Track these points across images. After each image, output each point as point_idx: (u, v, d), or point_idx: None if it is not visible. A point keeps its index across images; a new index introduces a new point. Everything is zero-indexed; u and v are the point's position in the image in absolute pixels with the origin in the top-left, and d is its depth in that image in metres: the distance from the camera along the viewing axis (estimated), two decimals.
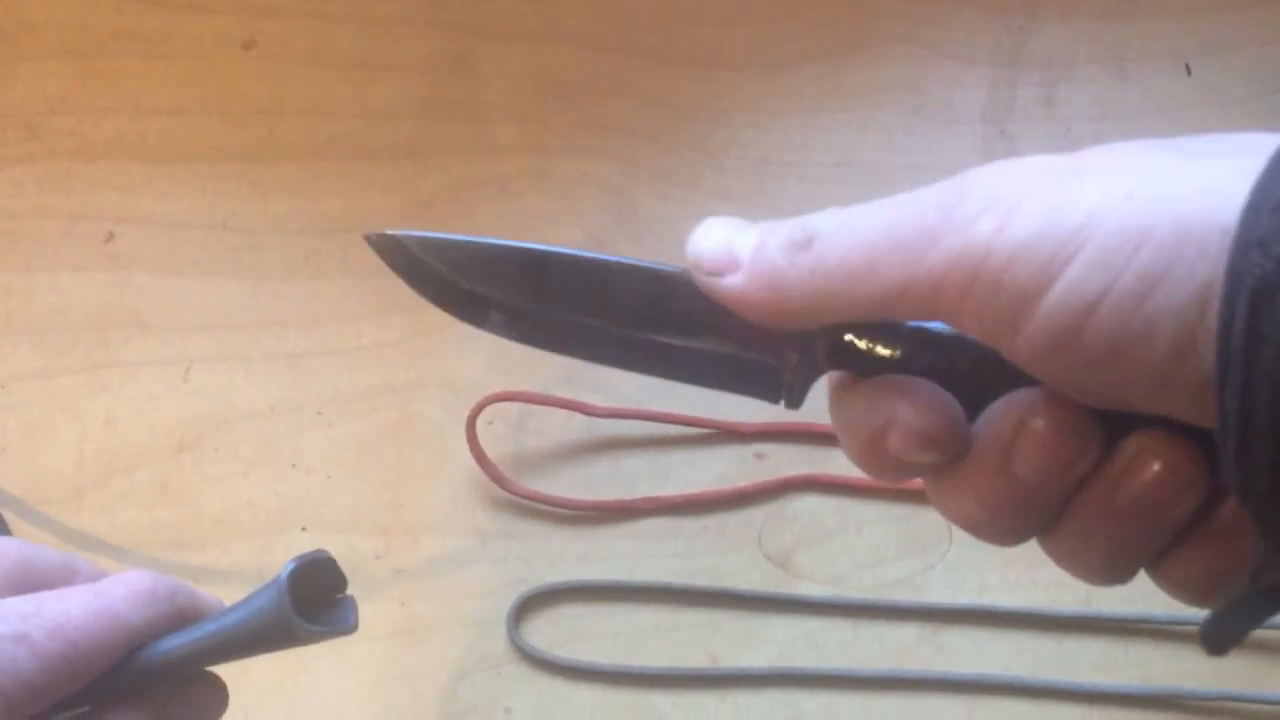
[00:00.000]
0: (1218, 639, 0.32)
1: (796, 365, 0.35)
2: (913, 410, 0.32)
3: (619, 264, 0.37)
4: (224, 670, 0.41)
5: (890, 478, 0.34)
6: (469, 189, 0.68)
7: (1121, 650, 0.62)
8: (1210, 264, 0.27)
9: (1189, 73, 0.70)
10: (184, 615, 0.40)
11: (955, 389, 0.33)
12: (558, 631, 0.62)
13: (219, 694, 0.42)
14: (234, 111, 0.69)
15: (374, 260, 0.67)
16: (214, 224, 0.67)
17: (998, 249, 0.29)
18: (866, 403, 0.34)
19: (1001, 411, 0.32)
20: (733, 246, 0.34)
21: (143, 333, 0.66)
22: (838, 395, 0.35)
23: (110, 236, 0.67)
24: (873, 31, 0.71)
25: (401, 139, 0.69)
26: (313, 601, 0.39)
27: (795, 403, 0.36)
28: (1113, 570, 0.33)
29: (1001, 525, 0.33)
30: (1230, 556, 0.32)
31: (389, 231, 0.39)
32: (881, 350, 0.34)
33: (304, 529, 0.63)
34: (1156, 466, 0.31)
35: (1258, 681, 0.61)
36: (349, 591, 0.41)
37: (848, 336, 0.34)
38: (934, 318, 0.31)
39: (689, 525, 0.64)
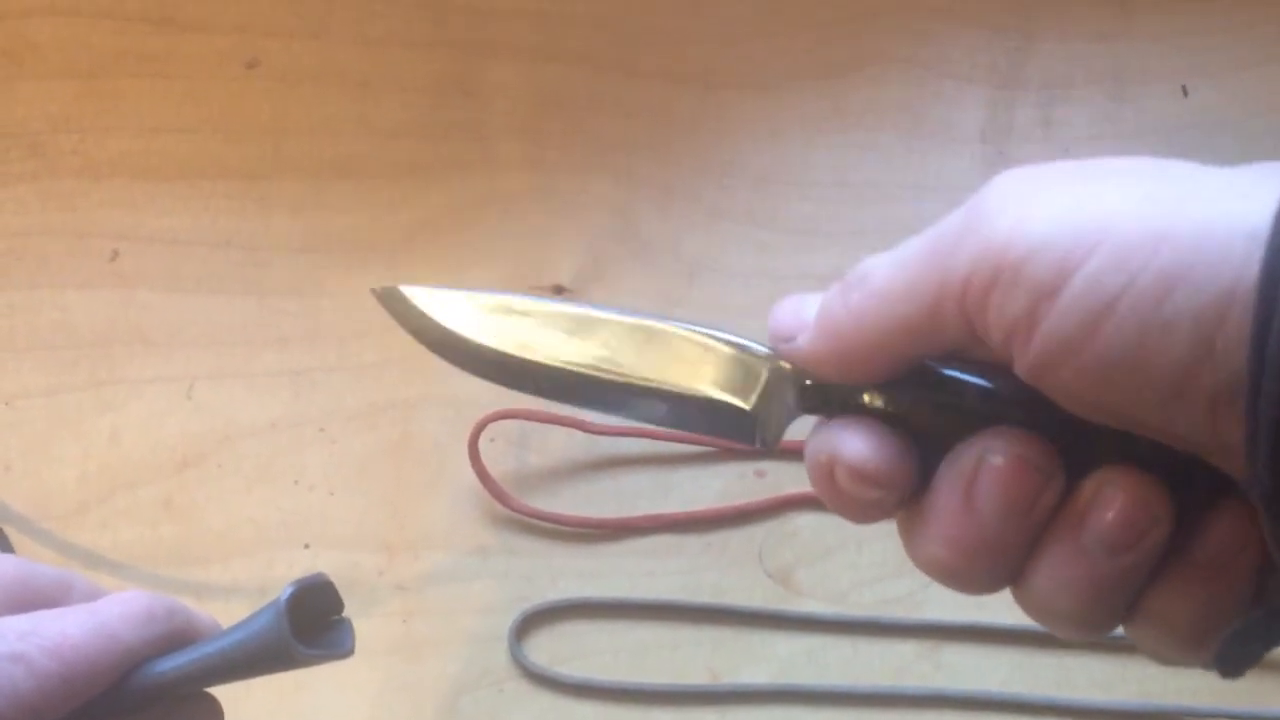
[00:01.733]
0: (1233, 662, 0.31)
1: (769, 412, 0.37)
2: (855, 447, 0.33)
3: (604, 317, 0.38)
4: (224, 686, 0.41)
5: (854, 517, 0.35)
6: (471, 206, 0.69)
7: (1120, 667, 0.62)
8: (1234, 268, 0.26)
9: (1186, 94, 0.70)
10: (181, 636, 0.40)
11: (922, 434, 0.34)
12: (559, 648, 0.62)
13: (214, 715, 0.42)
14: (237, 130, 0.69)
15: (376, 277, 0.67)
16: (217, 242, 0.68)
17: (1016, 244, 0.29)
18: (819, 439, 0.34)
19: (964, 449, 0.32)
20: (800, 312, 0.35)
21: (146, 350, 0.66)
22: (810, 436, 0.36)
23: (114, 254, 0.67)
24: (872, 52, 0.71)
25: (404, 157, 0.69)
26: (310, 624, 0.40)
27: (770, 445, 0.37)
28: (1088, 618, 0.32)
29: (969, 568, 0.33)
30: (1206, 601, 0.31)
31: (394, 286, 0.40)
32: (848, 394, 0.34)
33: (306, 545, 0.63)
34: (1120, 500, 0.30)
35: (1256, 699, 0.61)
36: (345, 614, 0.41)
37: (808, 381, 0.35)
38: (967, 327, 0.31)
39: (690, 543, 0.64)
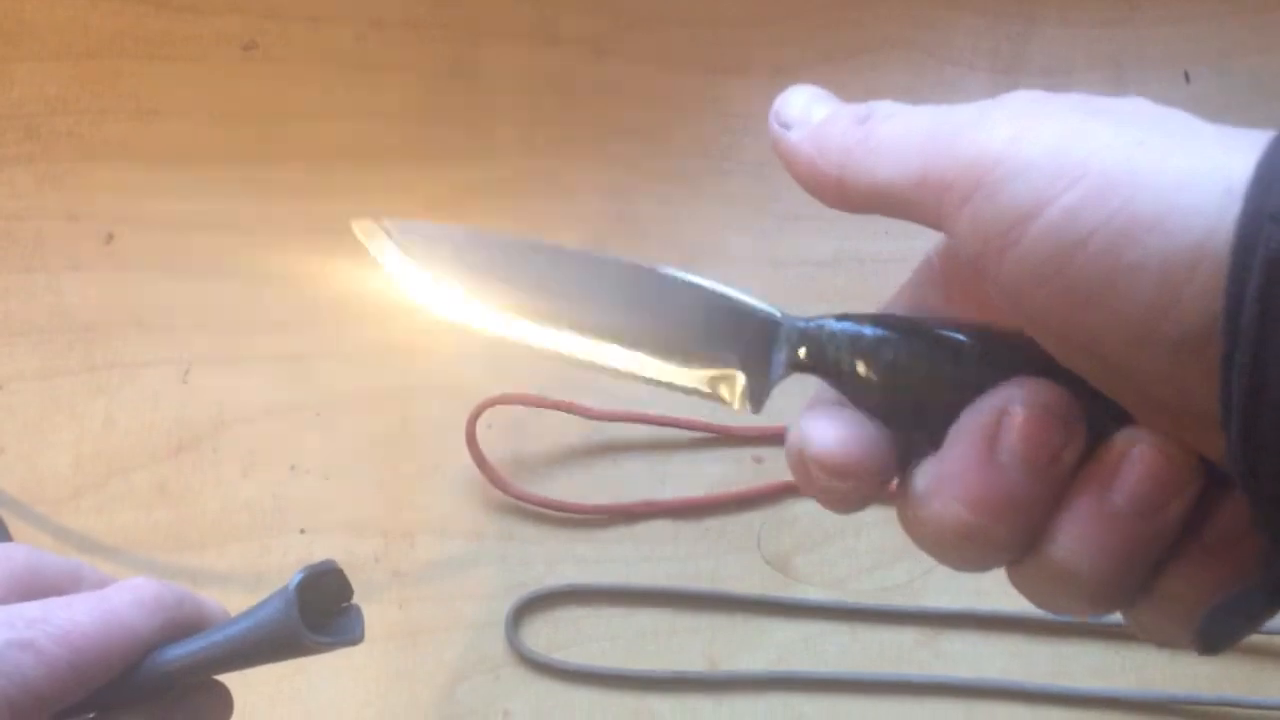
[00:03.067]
0: (1214, 639, 0.31)
1: (757, 371, 0.36)
2: (825, 438, 0.33)
3: (592, 255, 0.38)
4: (223, 683, 0.41)
5: (834, 508, 0.35)
6: (469, 191, 0.68)
7: (1118, 655, 0.62)
8: (1207, 220, 0.27)
9: (1188, 80, 0.70)
10: (189, 623, 0.40)
11: (896, 407, 0.34)
12: (556, 634, 0.62)
13: (224, 702, 0.42)
14: (234, 113, 0.69)
15: (374, 262, 0.67)
16: (214, 225, 0.67)
17: (1006, 160, 0.29)
18: (794, 431, 0.34)
19: (982, 404, 0.32)
20: (809, 109, 0.35)
21: (142, 333, 0.66)
22: (789, 427, 0.35)
23: (110, 237, 0.67)
24: (873, 36, 0.71)
25: (402, 141, 0.69)
26: (318, 611, 0.39)
27: (758, 405, 0.36)
28: (1106, 587, 0.31)
29: (992, 528, 0.32)
30: (1214, 584, 0.31)
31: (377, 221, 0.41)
32: (843, 360, 0.34)
33: (302, 531, 0.63)
34: (1153, 457, 0.30)
35: (1254, 687, 0.61)
36: (354, 601, 0.41)
37: (802, 351, 0.35)
38: (939, 218, 0.31)
39: (688, 529, 0.64)
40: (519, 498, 0.63)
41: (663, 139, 0.70)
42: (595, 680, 0.61)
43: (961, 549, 0.33)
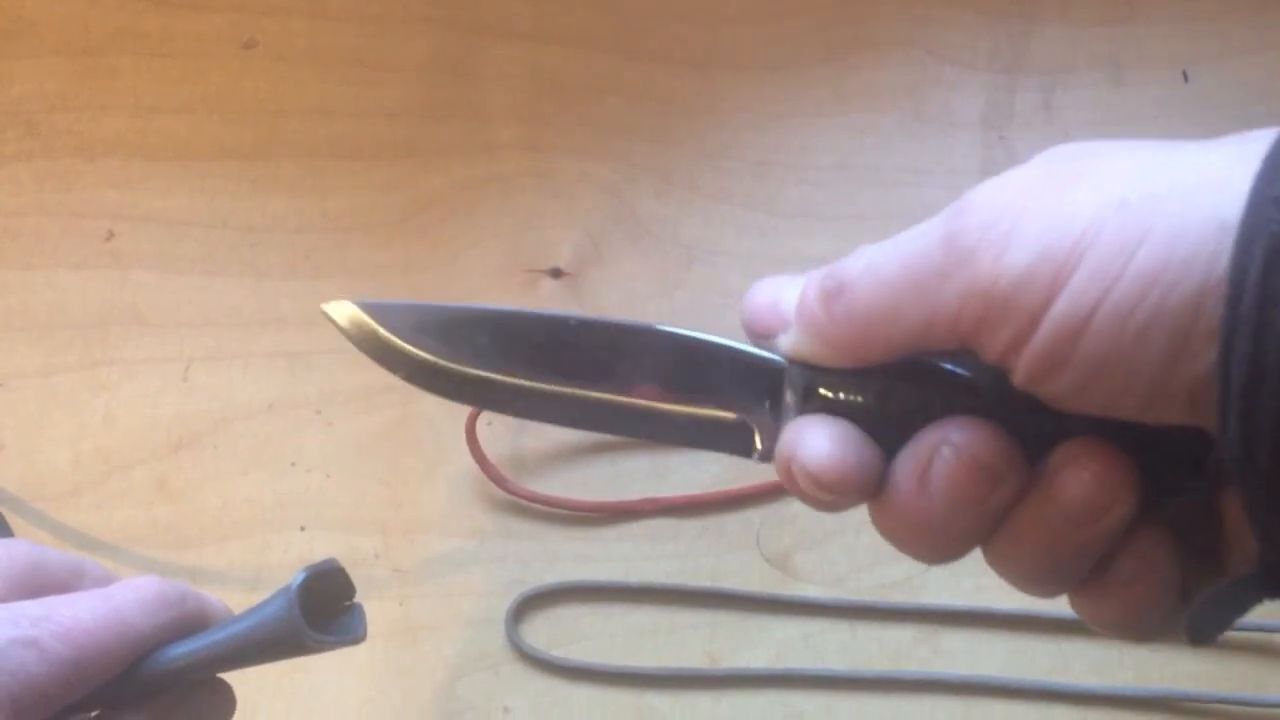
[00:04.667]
0: (1203, 629, 0.32)
1: (768, 421, 0.36)
2: (812, 450, 0.33)
3: (579, 320, 0.37)
4: (226, 681, 0.41)
5: (816, 507, 0.35)
6: (468, 188, 0.68)
7: (1117, 653, 0.62)
8: (1205, 262, 0.27)
9: (1186, 79, 0.70)
10: (192, 622, 0.40)
11: (889, 430, 0.34)
12: (556, 632, 0.62)
13: (226, 700, 0.42)
14: (234, 110, 0.69)
15: (372, 259, 0.67)
16: (214, 222, 0.67)
17: (1002, 279, 0.29)
18: (783, 438, 0.35)
19: (924, 435, 0.33)
20: (778, 305, 0.35)
21: (142, 330, 0.66)
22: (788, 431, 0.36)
23: (110, 234, 0.67)
24: (872, 35, 0.71)
25: (401, 138, 0.69)
26: (321, 610, 0.39)
27: (769, 454, 0.36)
28: (1046, 584, 0.33)
29: (924, 545, 0.34)
30: (1155, 587, 0.32)
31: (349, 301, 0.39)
32: (852, 398, 0.34)
33: (302, 528, 0.63)
34: (1088, 474, 0.31)
35: (1251, 684, 0.61)
36: (357, 599, 0.41)
37: (821, 390, 0.34)
38: (959, 344, 0.31)
39: (687, 526, 0.64)
40: (519, 495, 0.63)
41: (661, 137, 0.70)
42: (595, 677, 0.61)
43: (909, 552, 0.34)
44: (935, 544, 0.33)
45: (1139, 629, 0.33)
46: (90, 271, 0.66)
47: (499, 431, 0.64)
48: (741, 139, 0.70)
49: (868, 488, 0.34)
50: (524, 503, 0.63)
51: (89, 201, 0.67)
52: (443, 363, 0.38)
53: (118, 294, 0.66)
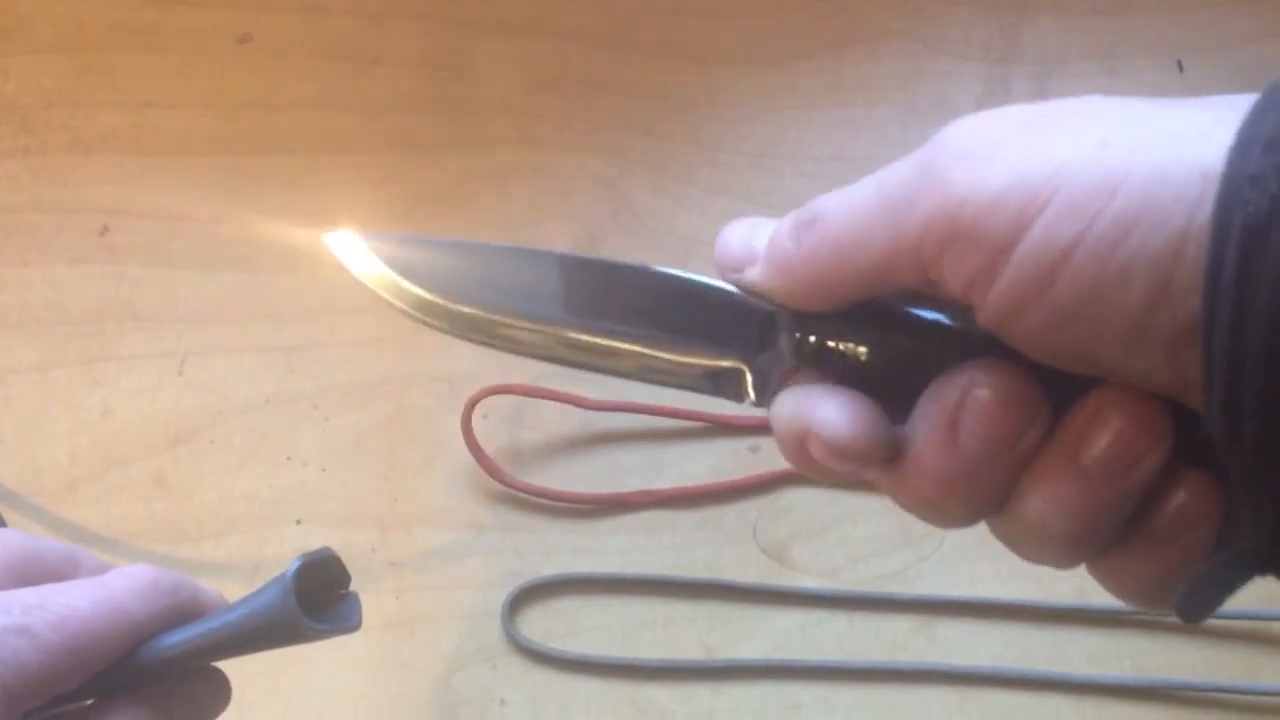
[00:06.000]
0: (1194, 607, 0.31)
1: (760, 366, 0.36)
2: (830, 422, 0.32)
3: (575, 259, 0.37)
4: (221, 669, 0.41)
5: (820, 479, 0.34)
6: (464, 182, 0.68)
7: (1113, 642, 0.62)
8: (1187, 208, 0.26)
9: (1180, 69, 0.70)
10: (186, 610, 0.40)
11: (889, 387, 0.33)
12: (553, 624, 0.62)
13: (221, 689, 0.42)
14: (229, 105, 0.69)
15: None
16: (209, 217, 0.68)
17: (972, 200, 0.28)
18: (793, 407, 0.34)
19: (946, 385, 0.32)
20: (751, 241, 0.35)
21: (138, 325, 0.66)
22: (776, 400, 0.35)
23: (105, 230, 0.67)
24: (867, 27, 0.71)
25: (397, 132, 0.69)
26: (316, 598, 0.39)
27: (764, 398, 0.36)
28: (1077, 544, 0.32)
29: (952, 502, 0.32)
30: (1182, 554, 0.31)
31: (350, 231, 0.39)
32: (846, 348, 0.34)
33: (299, 522, 0.63)
34: (1120, 420, 0.30)
35: (1248, 673, 0.61)
36: (352, 588, 0.41)
37: (812, 337, 0.34)
38: (923, 278, 0.31)
39: (684, 518, 0.64)
40: (515, 487, 0.63)
41: (657, 130, 0.70)
42: (592, 669, 0.61)
43: (932, 515, 0.33)
44: (965, 499, 0.32)
45: (1173, 595, 0.32)
46: (86, 267, 0.67)
47: (495, 424, 0.65)
48: (737, 132, 0.70)
49: (889, 452, 0.33)
50: (520, 495, 0.63)
51: (84, 197, 0.67)
52: (439, 301, 0.38)
53: (114, 289, 0.66)
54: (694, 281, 0.36)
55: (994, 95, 0.70)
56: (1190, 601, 0.31)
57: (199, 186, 0.68)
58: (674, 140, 0.69)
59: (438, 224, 0.67)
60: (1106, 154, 0.27)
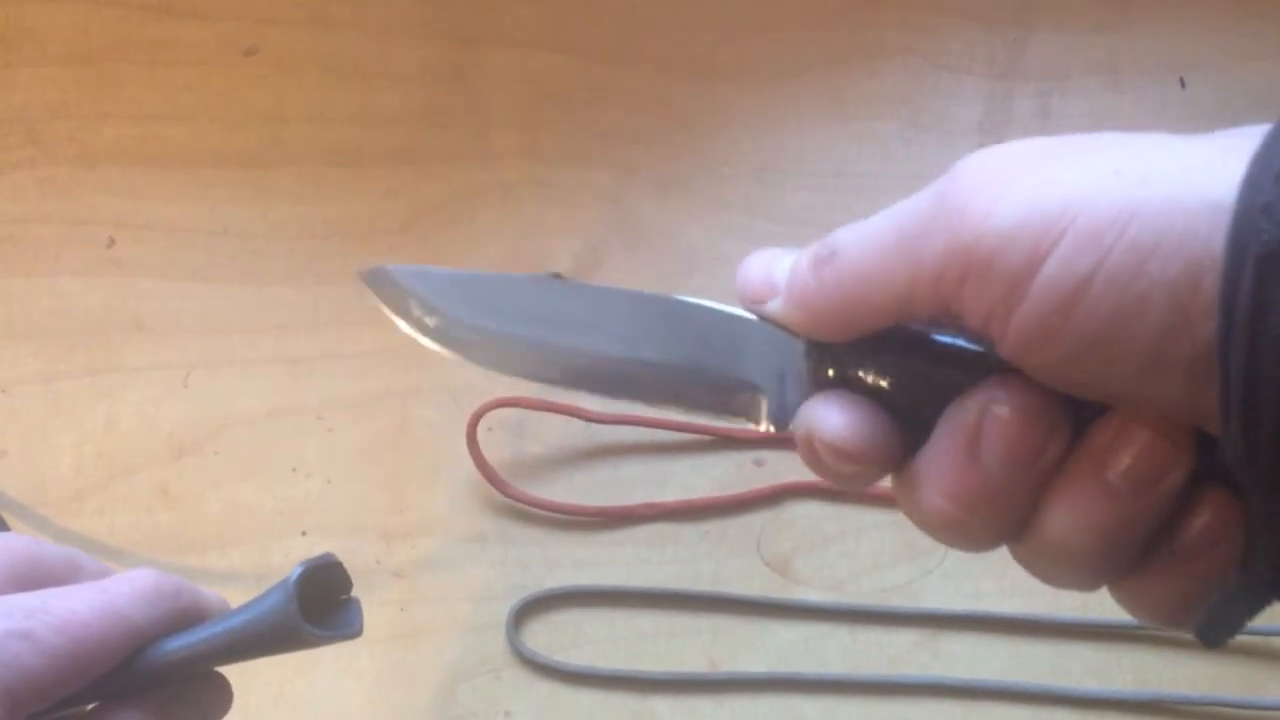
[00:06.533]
0: (1214, 631, 0.31)
1: (780, 394, 0.36)
2: (832, 423, 0.33)
3: (601, 290, 0.38)
4: (223, 671, 0.41)
5: (842, 486, 0.35)
6: (469, 196, 0.69)
7: (1116, 656, 0.62)
8: (1200, 240, 0.27)
9: (1183, 85, 0.70)
10: (189, 614, 0.40)
11: (907, 407, 0.34)
12: (557, 636, 0.62)
13: (223, 694, 0.42)
14: (235, 117, 0.69)
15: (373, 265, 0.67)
16: (215, 229, 0.68)
17: (986, 235, 0.29)
18: (805, 414, 0.35)
19: (965, 403, 0.32)
20: (771, 273, 0.35)
21: (143, 337, 0.66)
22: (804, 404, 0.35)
23: (111, 242, 0.67)
24: (870, 43, 0.71)
25: (402, 146, 0.69)
26: (318, 604, 0.39)
27: (782, 424, 0.36)
28: (1104, 563, 0.32)
29: (972, 521, 0.32)
30: (1205, 573, 0.31)
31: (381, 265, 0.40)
32: (867, 376, 0.34)
33: (304, 533, 0.63)
34: (1145, 435, 0.30)
35: (1251, 687, 0.61)
36: (354, 594, 0.41)
37: (831, 370, 0.35)
38: (943, 311, 0.31)
39: (688, 531, 0.64)
40: (520, 500, 0.63)
41: (661, 144, 0.70)
42: (596, 681, 0.61)
43: (949, 536, 0.33)
44: (988, 518, 0.32)
45: (1194, 616, 0.32)
46: (92, 278, 0.67)
47: (500, 436, 0.65)
48: (741, 146, 0.70)
49: (889, 457, 0.33)
50: (525, 507, 0.64)
51: (90, 209, 0.68)
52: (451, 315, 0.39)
53: (119, 301, 0.66)
54: (716, 311, 0.37)
55: (996, 111, 0.70)
56: (1211, 626, 0.31)
57: (204, 199, 0.68)
58: (677, 154, 0.70)
59: (441, 237, 0.68)
60: (1119, 184, 0.28)
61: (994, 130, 0.70)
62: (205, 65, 0.70)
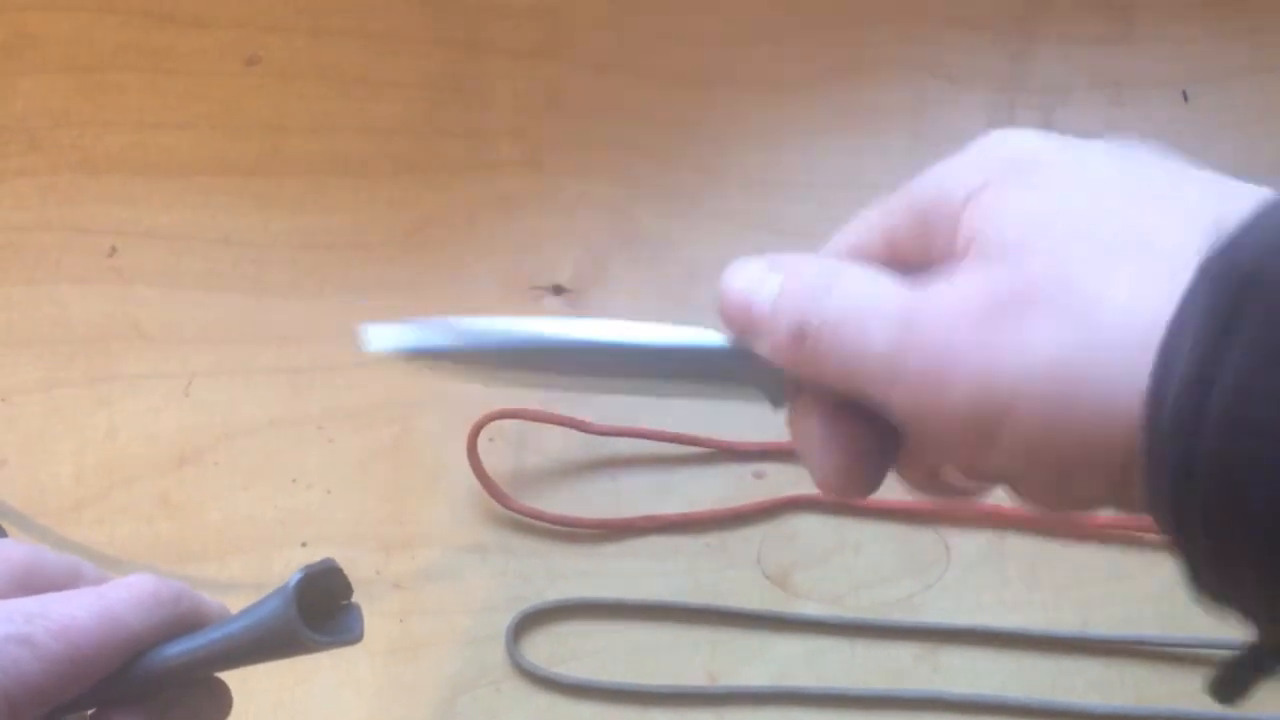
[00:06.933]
0: (1226, 691, 0.32)
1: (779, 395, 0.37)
2: (823, 453, 0.35)
3: (601, 347, 0.38)
4: (223, 679, 0.41)
5: (837, 485, 0.36)
6: (470, 206, 0.69)
7: (1117, 671, 0.62)
8: (1124, 440, 0.27)
9: (1186, 99, 0.70)
10: (188, 620, 0.40)
11: None
12: (557, 648, 0.62)
13: (222, 700, 0.42)
14: (237, 126, 0.69)
15: (375, 276, 0.67)
16: (216, 238, 0.68)
17: (932, 422, 0.31)
18: (800, 426, 0.36)
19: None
20: (750, 305, 0.35)
21: (144, 346, 0.66)
22: (792, 405, 0.37)
23: (112, 250, 0.67)
24: (874, 55, 0.71)
25: (404, 155, 0.69)
26: (319, 609, 0.39)
27: (779, 402, 0.37)
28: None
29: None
30: None
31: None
32: None
33: (304, 544, 0.63)
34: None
35: (1253, 704, 0.61)
36: (354, 599, 0.41)
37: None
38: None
39: (688, 544, 0.64)
40: (520, 512, 0.63)
41: (663, 155, 0.70)
42: (596, 694, 0.61)
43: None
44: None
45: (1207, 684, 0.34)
46: (93, 287, 0.67)
47: (500, 448, 0.65)
48: (744, 158, 0.70)
49: (875, 482, 0.35)
50: (525, 519, 0.63)
51: (92, 217, 0.68)
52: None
53: (120, 309, 0.66)
54: (713, 350, 0.37)
55: (1000, 123, 0.69)
56: (1224, 687, 0.32)
57: (206, 207, 0.68)
58: (680, 165, 0.70)
59: (443, 247, 0.68)
60: (1055, 375, 0.28)
61: None
62: (207, 74, 0.70)
